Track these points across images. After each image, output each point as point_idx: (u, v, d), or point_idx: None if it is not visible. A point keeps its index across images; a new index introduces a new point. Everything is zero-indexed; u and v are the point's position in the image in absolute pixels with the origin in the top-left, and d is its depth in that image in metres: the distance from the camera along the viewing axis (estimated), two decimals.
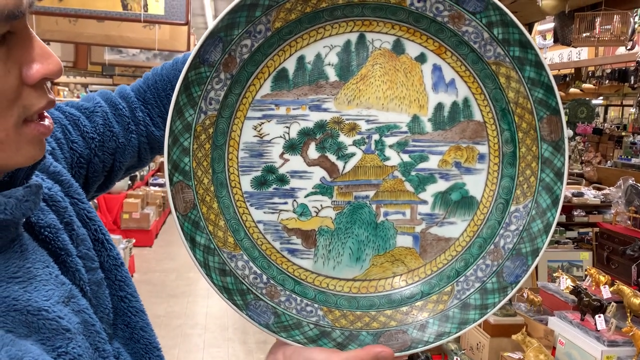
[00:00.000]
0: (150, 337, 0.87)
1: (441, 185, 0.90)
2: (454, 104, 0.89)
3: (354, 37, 0.88)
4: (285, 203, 0.90)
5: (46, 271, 0.66)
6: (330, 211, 0.90)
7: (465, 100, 0.89)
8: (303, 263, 0.90)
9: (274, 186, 0.89)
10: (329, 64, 0.88)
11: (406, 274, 0.91)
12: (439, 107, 0.89)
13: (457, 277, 0.89)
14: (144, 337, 0.83)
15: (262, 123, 0.88)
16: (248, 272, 0.88)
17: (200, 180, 0.86)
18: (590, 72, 9.51)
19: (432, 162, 0.90)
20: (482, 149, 0.90)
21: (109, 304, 0.80)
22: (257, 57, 0.87)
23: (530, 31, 4.56)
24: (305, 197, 0.89)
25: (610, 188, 4.57)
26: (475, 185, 0.90)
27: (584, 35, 3.73)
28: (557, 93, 0.83)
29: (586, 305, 2.31)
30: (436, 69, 0.89)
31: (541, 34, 7.48)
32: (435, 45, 0.88)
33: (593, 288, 2.60)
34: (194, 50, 0.81)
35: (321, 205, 0.90)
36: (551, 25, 5.00)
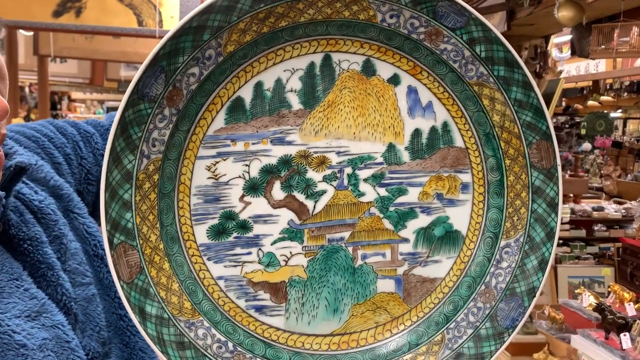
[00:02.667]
0: (150, 358, 0.84)
1: (423, 221, 0.81)
2: (433, 129, 0.79)
3: (318, 58, 0.76)
4: (249, 253, 0.77)
5: (12, 284, 0.66)
6: (301, 258, 0.78)
7: (445, 125, 0.79)
8: (273, 321, 0.78)
9: (235, 235, 0.76)
10: (292, 91, 0.76)
11: (390, 323, 0.81)
12: (417, 133, 0.79)
13: (446, 324, 0.80)
14: (143, 359, 0.81)
15: (217, 162, 0.75)
16: (210, 340, 0.74)
17: (146, 238, 0.72)
18: (608, 85, 9.35)
19: (412, 195, 0.80)
20: (465, 177, 0.81)
21: (102, 322, 0.78)
22: (207, 87, 0.73)
23: (547, 43, 4.46)
24: (272, 244, 0.77)
25: (632, 202, 4.55)
26: (460, 218, 0.81)
27: (602, 47, 3.64)
28: (548, 116, 0.75)
29: (610, 323, 2.27)
30: (411, 91, 0.79)
31: (557, 47, 7.31)
32: (410, 64, 0.78)
33: (617, 305, 2.55)
34: (130, 85, 0.66)
35: (291, 252, 0.78)
36: (568, 37, 4.94)
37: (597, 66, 8.44)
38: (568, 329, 2.72)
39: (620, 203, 4.92)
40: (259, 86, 0.75)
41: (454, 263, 0.82)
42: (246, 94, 0.75)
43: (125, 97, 0.67)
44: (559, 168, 0.76)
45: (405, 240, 0.81)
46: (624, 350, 2.24)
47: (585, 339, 2.42)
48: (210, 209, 0.75)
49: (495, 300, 0.78)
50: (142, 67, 0.66)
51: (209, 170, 0.75)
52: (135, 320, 0.68)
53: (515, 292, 0.78)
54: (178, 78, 0.70)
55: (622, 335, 2.25)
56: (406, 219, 0.81)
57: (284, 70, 0.76)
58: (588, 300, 2.62)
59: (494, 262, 0.80)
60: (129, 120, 0.68)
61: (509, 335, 0.76)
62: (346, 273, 0.80)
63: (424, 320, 0.81)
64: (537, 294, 0.76)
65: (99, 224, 0.70)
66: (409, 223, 0.81)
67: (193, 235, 0.75)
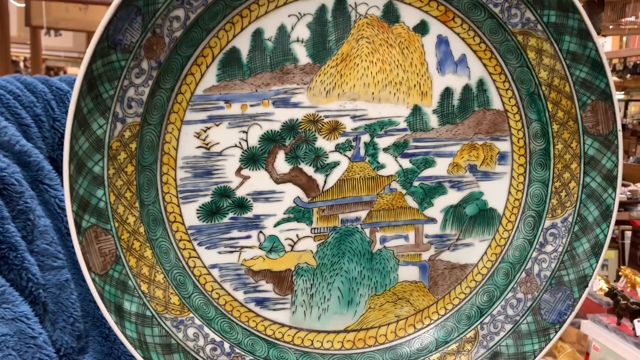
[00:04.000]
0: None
1: (453, 197, 0.68)
2: (466, 88, 0.66)
3: (330, 1, 0.62)
4: (248, 237, 0.64)
5: None
6: (310, 242, 0.66)
7: (481, 83, 0.66)
8: (277, 316, 0.66)
9: (231, 215, 0.64)
10: (298, 41, 0.63)
11: (413, 317, 0.69)
12: (447, 93, 0.66)
13: (480, 318, 0.68)
14: (125, 353, 0.72)
15: (208, 128, 0.62)
16: (203, 341, 0.62)
17: (123, 220, 0.59)
18: (612, 66, 9.08)
19: (440, 168, 0.67)
20: (504, 146, 0.68)
21: (77, 312, 0.68)
22: (194, 35, 0.59)
23: None
24: (275, 226, 0.65)
25: (638, 184, 4.44)
26: (496, 194, 0.69)
27: (613, 24, 3.49)
28: (608, 71, 0.62)
29: (624, 309, 2.16)
30: (442, 42, 0.65)
31: None
32: (441, 9, 0.64)
33: (628, 290, 2.46)
34: (99, 29, 0.53)
35: (297, 235, 0.66)
36: None
37: (604, 45, 8.24)
38: (578, 314, 2.62)
39: (624, 185, 4.80)
40: (258, 35, 0.62)
41: (488, 247, 0.70)
42: (243, 44, 0.61)
43: (92, 45, 0.53)
44: (619, 134, 0.64)
45: (432, 220, 0.68)
46: (638, 336, 2.14)
47: (596, 324, 2.32)
48: (201, 185, 0.63)
49: (538, 291, 0.67)
50: (112, 6, 0.53)
51: (198, 137, 0.62)
52: (110, 320, 0.56)
53: (562, 281, 0.66)
54: (158, 22, 0.56)
55: (636, 321, 2.15)
56: (433, 196, 0.68)
57: (289, 16, 0.62)
58: (599, 284, 2.52)
59: (537, 246, 0.68)
60: (98, 75, 0.54)
61: (556, 332, 0.65)
62: (362, 259, 0.67)
63: (453, 313, 0.69)
64: (590, 284, 0.65)
65: None
66: (437, 200, 0.68)
67: (180, 216, 0.63)
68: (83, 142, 0.55)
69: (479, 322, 0.68)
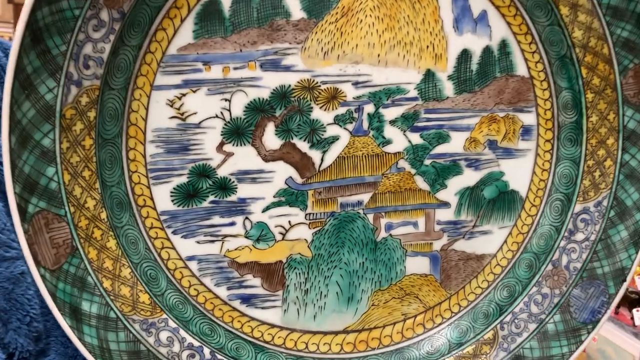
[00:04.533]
0: None
1: (469, 178, 0.60)
2: (487, 51, 0.57)
3: None
4: (232, 224, 0.55)
5: None
6: (304, 230, 0.57)
7: (503, 45, 0.57)
8: (266, 315, 0.57)
9: (212, 198, 0.54)
10: None
11: (423, 315, 0.60)
12: (464, 56, 0.57)
13: (500, 316, 0.59)
14: None
15: (184, 95, 0.52)
16: (179, 347, 0.53)
17: (80, 204, 0.49)
18: None
19: (456, 143, 0.59)
20: (528, 118, 0.59)
21: (34, 309, 0.61)
22: None
23: None
24: (263, 211, 0.56)
25: None
26: (519, 174, 0.61)
27: None
28: None
29: (622, 298, 2.10)
30: None
31: None
32: None
33: None
34: None
35: (290, 222, 0.56)
36: None
37: None
38: None
39: None
40: None
41: (508, 234, 0.61)
42: None
43: None
44: None
45: (445, 204, 0.59)
46: (636, 326, 2.08)
47: None
48: (175, 163, 0.53)
49: (567, 285, 0.58)
50: None
51: (171, 106, 0.52)
52: (64, 324, 0.46)
53: (595, 275, 0.57)
54: None
55: (634, 310, 2.09)
56: (447, 176, 0.59)
57: None
58: None
59: (565, 234, 0.59)
60: (45, 26, 0.44)
61: (588, 333, 0.56)
62: (365, 249, 0.58)
63: (468, 311, 0.60)
64: (628, 278, 0.56)
65: None
66: (451, 181, 0.59)
67: (151, 199, 0.53)
68: (28, 108, 0.45)
69: (498, 321, 0.60)
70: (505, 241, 0.61)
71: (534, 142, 0.60)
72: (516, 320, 0.59)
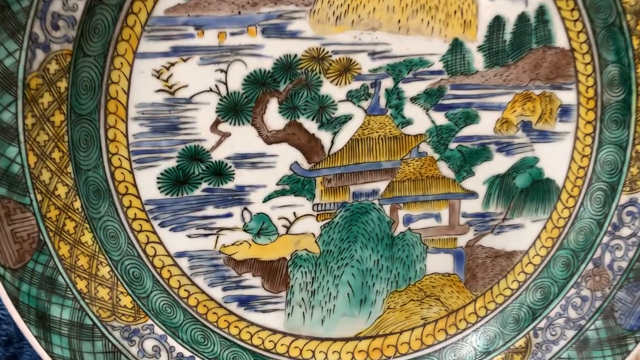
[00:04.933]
0: None
1: (500, 164, 0.53)
2: (522, 18, 0.50)
3: None
4: (229, 215, 0.49)
5: None
6: (311, 223, 0.51)
7: (541, 12, 0.50)
8: (268, 320, 0.51)
9: (205, 186, 0.47)
10: None
11: (445, 319, 0.54)
12: (497, 24, 0.50)
13: (533, 321, 0.53)
14: None
15: (172, 64, 0.45)
16: (167, 357, 0.46)
17: (49, 190, 0.42)
18: None
19: (485, 125, 0.52)
20: (568, 97, 0.52)
21: (4, 310, 0.53)
22: None
23: None
24: (264, 201, 0.50)
25: None
26: (555, 160, 0.54)
27: None
28: None
29: None
30: None
31: None
32: None
33: None
34: None
35: (295, 213, 0.51)
36: None
37: None
38: None
39: None
40: None
41: (542, 229, 0.55)
42: None
43: None
44: None
45: (472, 194, 0.53)
46: None
47: None
48: (163, 144, 0.46)
49: (610, 287, 0.51)
50: None
51: (158, 77, 0.45)
52: (28, 333, 0.39)
53: None
54: None
55: None
56: (474, 162, 0.52)
57: None
58: None
59: (609, 229, 0.52)
60: None
61: (636, 342, 0.49)
62: (380, 245, 0.51)
63: (497, 315, 0.54)
64: None
65: None
66: (479, 168, 0.53)
67: (134, 186, 0.46)
68: None
69: (531, 327, 0.53)
70: (539, 236, 0.55)
71: (574, 124, 0.53)
72: (552, 326, 0.52)
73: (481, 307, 0.54)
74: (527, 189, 0.54)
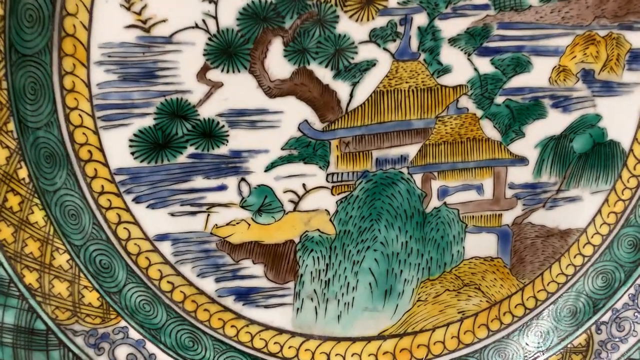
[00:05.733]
0: None
1: (555, 123, 0.45)
2: None
3: None
4: (222, 188, 0.41)
5: None
6: (325, 197, 0.43)
7: None
8: (272, 317, 0.44)
9: (192, 150, 0.39)
10: None
11: (487, 313, 0.46)
12: None
13: (594, 314, 0.45)
14: None
15: None
16: None
17: None
18: None
19: (539, 74, 0.44)
20: (639, 39, 0.42)
21: None
22: None
23: None
24: (266, 170, 0.42)
25: None
26: (622, 119, 0.45)
27: None
28: None
29: None
30: None
31: None
32: None
33: None
34: None
35: (304, 185, 0.43)
36: None
37: None
38: None
39: None
40: None
41: (604, 202, 0.47)
42: None
43: None
44: None
45: (521, 160, 0.45)
46: None
47: None
48: (136, 96, 0.37)
49: None
50: None
51: (128, 8, 0.35)
52: None
53: None
54: None
55: None
56: (525, 120, 0.44)
57: None
58: None
59: None
60: None
61: None
62: (409, 224, 0.44)
63: (549, 306, 0.46)
64: None
65: None
66: (530, 127, 0.45)
67: (100, 150, 0.37)
68: None
69: (592, 321, 0.45)
70: (600, 211, 0.47)
71: None
72: (618, 320, 0.44)
73: (530, 298, 0.47)
74: (587, 154, 0.46)
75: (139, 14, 0.36)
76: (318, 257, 0.43)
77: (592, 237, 0.47)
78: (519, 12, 0.43)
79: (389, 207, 0.44)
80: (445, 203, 0.45)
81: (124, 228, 0.39)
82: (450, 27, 0.42)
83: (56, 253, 0.36)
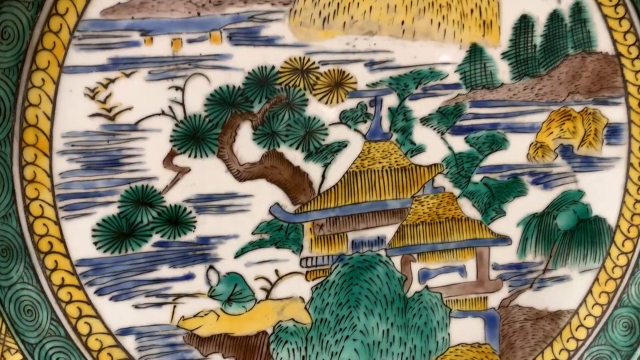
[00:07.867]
0: None
1: (536, 200, 0.44)
2: (554, 17, 0.41)
3: None
4: (189, 277, 0.39)
5: None
6: (299, 283, 0.41)
7: (577, 9, 0.42)
8: None
9: (158, 238, 0.38)
10: None
11: None
12: (524, 25, 0.41)
13: None
14: None
15: (112, 81, 0.35)
16: None
17: None
18: None
19: (516, 150, 0.43)
20: (616, 114, 0.44)
21: None
22: None
23: None
24: (236, 256, 0.40)
25: None
26: (605, 193, 0.44)
27: None
28: None
29: None
30: None
31: None
32: None
33: None
34: None
35: (277, 271, 0.40)
36: None
37: None
38: None
39: None
40: None
41: (594, 281, 0.45)
42: None
43: None
44: None
45: (504, 239, 0.43)
46: None
47: None
48: (100, 185, 0.36)
49: None
50: None
51: (93, 98, 0.35)
52: None
53: None
54: None
55: None
56: (505, 198, 0.43)
57: None
58: None
59: None
60: None
61: None
62: (390, 310, 0.41)
63: None
64: None
65: None
66: (511, 206, 0.44)
67: (62, 241, 0.36)
68: None
69: None
70: (591, 291, 0.46)
71: (625, 147, 0.46)
72: None
73: None
74: (572, 231, 0.45)
75: (104, 102, 0.36)
76: (293, 349, 0.41)
77: (584, 319, 0.44)
78: (491, 90, 0.43)
79: (368, 292, 0.42)
80: (427, 287, 0.42)
81: (85, 322, 0.37)
82: (422, 107, 0.41)
83: (7, 354, 0.34)
